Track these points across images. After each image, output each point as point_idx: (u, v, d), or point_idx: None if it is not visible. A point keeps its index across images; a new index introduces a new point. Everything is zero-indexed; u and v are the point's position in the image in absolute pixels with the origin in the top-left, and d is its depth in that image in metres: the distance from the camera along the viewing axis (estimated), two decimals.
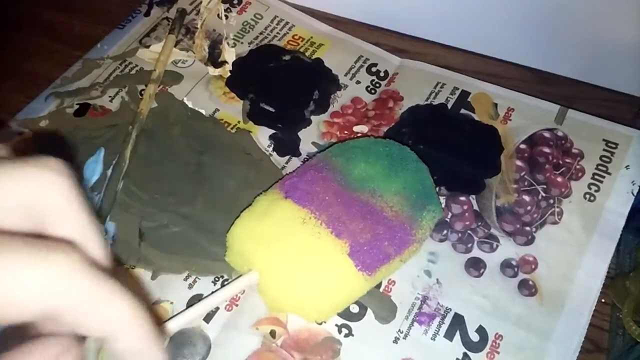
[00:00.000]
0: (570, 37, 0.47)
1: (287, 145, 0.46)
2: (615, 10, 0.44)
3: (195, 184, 0.43)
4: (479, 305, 0.37)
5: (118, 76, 0.50)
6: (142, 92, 0.48)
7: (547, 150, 0.43)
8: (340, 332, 0.37)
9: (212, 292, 0.36)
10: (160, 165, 0.44)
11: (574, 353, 0.35)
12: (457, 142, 0.44)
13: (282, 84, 0.49)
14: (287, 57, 0.50)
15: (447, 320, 0.37)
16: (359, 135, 0.46)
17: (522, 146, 0.44)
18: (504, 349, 0.36)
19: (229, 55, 0.51)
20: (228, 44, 0.51)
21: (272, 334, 0.36)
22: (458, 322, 0.37)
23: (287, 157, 0.45)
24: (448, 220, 0.41)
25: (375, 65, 0.50)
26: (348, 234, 0.35)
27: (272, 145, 0.45)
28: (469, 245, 0.40)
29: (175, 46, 0.51)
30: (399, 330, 0.37)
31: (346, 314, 0.37)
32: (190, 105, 0.48)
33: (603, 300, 0.38)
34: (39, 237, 0.17)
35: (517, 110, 0.46)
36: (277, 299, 0.36)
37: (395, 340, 0.36)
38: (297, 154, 0.45)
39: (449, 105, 0.47)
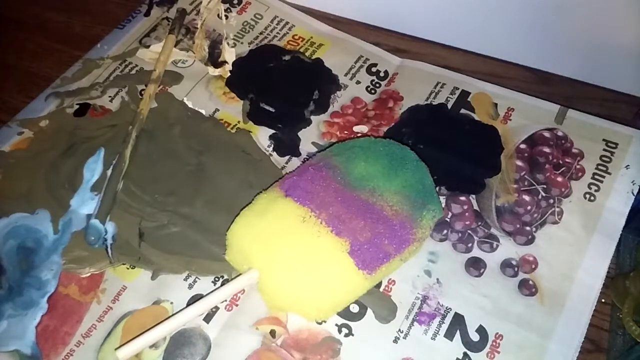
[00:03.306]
0: (570, 37, 0.47)
1: (287, 145, 0.45)
2: (615, 10, 0.44)
3: (195, 184, 0.43)
4: (479, 305, 0.37)
5: (118, 76, 0.50)
6: (142, 92, 0.48)
7: (547, 150, 0.43)
8: (340, 331, 0.37)
9: (212, 291, 0.36)
10: (160, 165, 0.44)
11: (575, 352, 0.35)
12: (457, 142, 0.44)
13: (282, 84, 0.49)
14: (287, 57, 0.50)
15: (447, 320, 0.37)
16: (359, 135, 0.46)
17: (522, 146, 0.44)
18: (504, 348, 0.36)
19: (229, 55, 0.51)
20: (228, 44, 0.52)
21: (272, 333, 0.36)
22: (458, 322, 0.37)
23: (287, 157, 0.45)
24: (448, 220, 0.41)
25: (375, 65, 0.50)
26: (348, 233, 0.35)
27: (272, 145, 0.45)
28: (469, 244, 0.40)
29: (175, 46, 0.51)
30: (399, 330, 0.37)
31: (346, 314, 0.37)
32: (190, 105, 0.48)
33: (603, 300, 0.38)
34: None
35: (517, 110, 0.46)
36: (276, 297, 0.36)
37: (395, 340, 0.36)
38: (297, 154, 0.45)
39: (449, 105, 0.47)
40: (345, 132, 0.46)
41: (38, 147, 0.45)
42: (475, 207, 0.41)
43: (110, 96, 0.48)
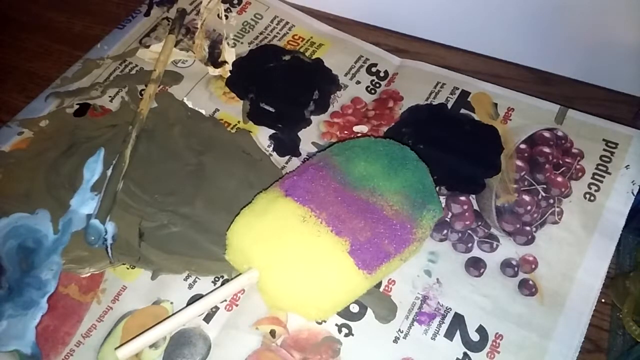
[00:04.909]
0: (570, 37, 0.47)
1: (287, 145, 0.46)
2: (615, 10, 0.44)
3: (195, 184, 0.43)
4: (479, 305, 0.37)
5: (118, 76, 0.50)
6: (142, 92, 0.48)
7: (547, 150, 0.43)
8: (340, 331, 0.37)
9: (212, 291, 0.36)
10: (160, 165, 0.44)
11: (575, 352, 0.35)
12: (457, 142, 0.44)
13: (282, 84, 0.49)
14: (287, 57, 0.50)
15: (447, 320, 0.37)
16: (359, 135, 0.46)
17: (522, 146, 0.44)
18: (505, 348, 0.36)
19: (229, 55, 0.51)
20: (228, 44, 0.52)
21: (272, 333, 0.36)
22: (458, 322, 0.37)
23: (287, 157, 0.45)
24: (448, 219, 0.41)
25: (375, 65, 0.50)
26: (348, 232, 0.35)
27: (272, 145, 0.45)
28: (469, 245, 0.40)
29: (175, 46, 0.51)
30: (399, 329, 0.37)
31: (346, 314, 0.37)
32: (190, 105, 0.48)
33: (603, 300, 0.38)
34: None
35: (517, 110, 0.46)
36: (277, 297, 0.36)
37: (395, 340, 0.36)
38: (297, 154, 0.45)
39: (449, 105, 0.47)
40: (345, 132, 0.46)
41: (38, 147, 0.45)
42: (475, 207, 0.41)
43: (110, 96, 0.48)
